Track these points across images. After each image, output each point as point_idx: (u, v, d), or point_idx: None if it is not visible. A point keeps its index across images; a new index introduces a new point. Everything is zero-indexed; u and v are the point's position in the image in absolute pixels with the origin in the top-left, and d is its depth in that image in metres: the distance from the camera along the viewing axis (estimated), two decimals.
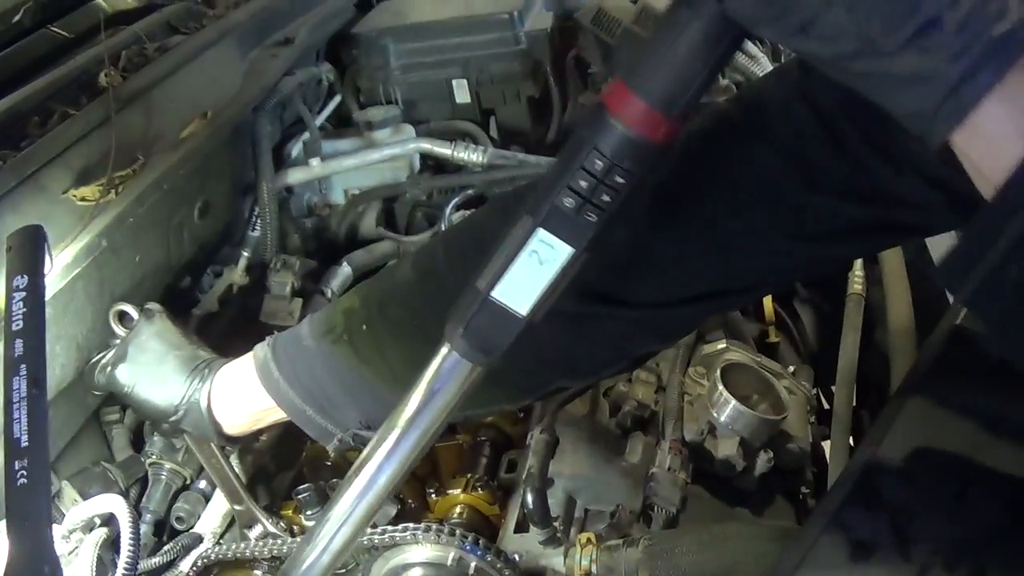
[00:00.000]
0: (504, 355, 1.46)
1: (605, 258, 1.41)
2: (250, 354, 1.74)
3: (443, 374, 1.26)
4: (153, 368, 1.80)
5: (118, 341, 1.85)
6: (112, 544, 1.74)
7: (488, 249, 1.47)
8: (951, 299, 1.79)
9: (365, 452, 1.33)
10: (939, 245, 2.07)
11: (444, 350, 1.25)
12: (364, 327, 1.58)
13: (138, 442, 2.13)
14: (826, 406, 2.55)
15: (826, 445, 2.26)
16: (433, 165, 3.14)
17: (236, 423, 1.78)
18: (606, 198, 1.09)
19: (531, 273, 1.15)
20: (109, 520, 1.75)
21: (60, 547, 1.76)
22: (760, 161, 1.34)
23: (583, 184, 1.08)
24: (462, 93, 3.24)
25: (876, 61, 0.84)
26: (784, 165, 1.28)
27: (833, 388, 2.34)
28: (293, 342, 1.69)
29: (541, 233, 1.13)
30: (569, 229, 1.12)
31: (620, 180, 1.08)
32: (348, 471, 1.35)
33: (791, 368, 2.40)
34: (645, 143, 1.05)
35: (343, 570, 1.84)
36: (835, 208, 1.28)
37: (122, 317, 1.88)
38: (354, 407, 1.63)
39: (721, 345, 2.27)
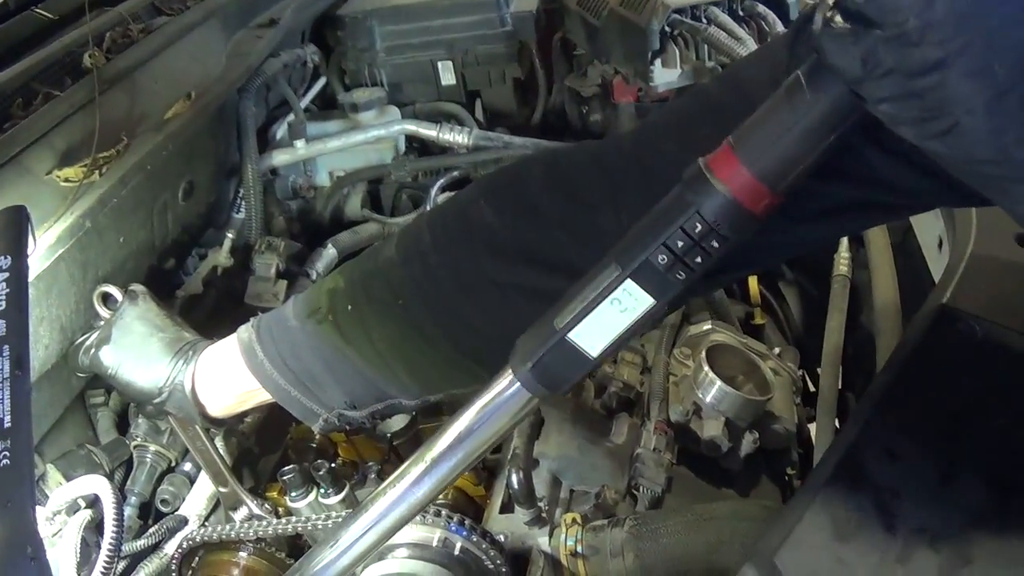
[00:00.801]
0: (486, 337, 1.47)
1: (596, 242, 1.42)
2: (234, 335, 1.73)
3: (501, 400, 1.29)
4: (137, 350, 1.79)
5: (102, 323, 1.84)
6: (97, 527, 1.73)
7: (474, 231, 1.48)
8: (936, 279, 1.79)
9: (406, 464, 1.36)
10: (925, 228, 2.07)
11: (507, 378, 1.28)
12: (349, 308, 1.58)
13: (123, 425, 2.13)
14: (812, 388, 2.55)
15: (812, 427, 2.26)
16: (418, 147, 3.15)
17: (220, 405, 1.77)
18: (698, 260, 1.12)
19: (610, 319, 1.17)
20: (93, 502, 1.74)
21: (44, 529, 1.75)
22: None
23: (679, 244, 1.11)
24: (447, 75, 3.25)
25: (1009, 168, 0.88)
26: None
27: (819, 370, 2.34)
28: (277, 323, 1.68)
29: (628, 284, 1.15)
30: (656, 284, 1.14)
31: (715, 245, 1.11)
32: (387, 479, 1.37)
33: (777, 350, 2.40)
34: (746, 213, 1.08)
35: None
36: (824, 189, 1.28)
37: (106, 299, 1.87)
38: (339, 387, 1.62)
39: (707, 326, 2.28)
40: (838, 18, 0.92)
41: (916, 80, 0.88)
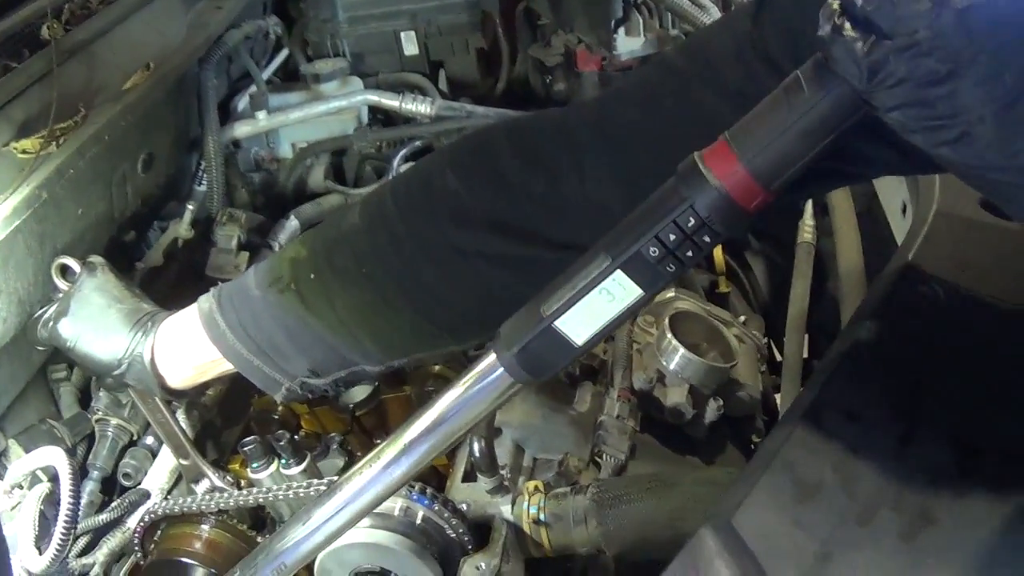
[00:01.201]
0: (450, 304, 1.47)
1: (560, 209, 1.42)
2: (194, 305, 1.72)
3: (482, 385, 1.29)
4: (95, 321, 1.77)
5: (61, 295, 1.82)
6: (58, 503, 1.72)
7: (438, 198, 1.48)
8: (899, 242, 1.80)
9: (383, 445, 1.36)
10: (889, 194, 2.08)
11: (489, 361, 1.27)
12: (312, 276, 1.57)
13: (86, 400, 2.11)
14: (779, 358, 2.55)
15: (779, 397, 2.27)
16: (381, 118, 3.14)
17: (180, 376, 1.75)
18: (689, 254, 1.12)
19: (597, 308, 1.17)
20: (54, 476, 1.73)
21: (2, 503, 1.74)
22: (710, 106, 1.34)
23: (672, 237, 1.11)
24: (410, 45, 3.24)
25: (1016, 175, 0.90)
26: (734, 110, 1.27)
27: (785, 339, 2.34)
28: (238, 292, 1.67)
29: (619, 275, 1.15)
30: (646, 275, 1.14)
31: (707, 239, 1.11)
32: (364, 458, 1.37)
33: (742, 318, 2.40)
34: (738, 210, 1.08)
35: None
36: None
37: (64, 271, 1.85)
38: (302, 356, 1.61)
39: (670, 294, 2.28)
40: (847, 25, 0.91)
41: (927, 90, 0.88)
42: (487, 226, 1.48)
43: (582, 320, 1.17)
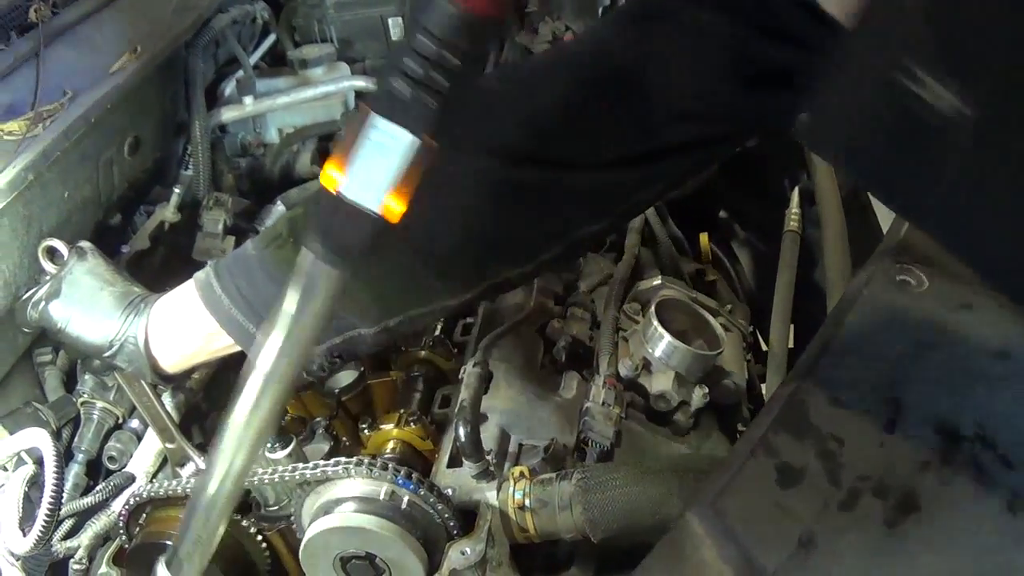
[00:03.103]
0: (443, 242, 1.48)
1: (535, 123, 1.44)
2: (189, 281, 1.73)
3: (309, 284, 1.22)
4: (87, 303, 1.78)
5: (48, 277, 1.82)
6: (43, 485, 1.72)
7: None
8: (885, 230, 1.80)
9: (244, 373, 1.32)
10: None
11: (306, 259, 1.21)
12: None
13: (71, 383, 2.11)
14: (765, 347, 2.56)
15: (765, 387, 2.27)
16: None
17: (174, 356, 1.76)
18: (441, 80, 1.08)
19: (377, 166, 1.12)
20: (40, 460, 1.73)
21: None
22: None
23: (416, 67, 1.07)
24: (398, 31, 3.23)
25: None
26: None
27: (770, 328, 2.34)
28: (235, 258, 1.70)
29: (379, 121, 1.10)
30: (407, 115, 1.10)
31: (453, 60, 1.07)
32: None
33: (728, 306, 2.40)
34: (473, 19, 1.05)
35: (276, 506, 1.83)
36: (765, 50, 1.31)
37: (52, 253, 1.85)
38: None
39: (657, 282, 2.28)
40: None
41: None
42: (474, 148, 1.52)
43: (367, 182, 1.12)
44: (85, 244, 1.85)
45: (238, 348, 1.72)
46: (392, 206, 1.13)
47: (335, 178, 1.12)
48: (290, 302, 1.24)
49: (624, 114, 1.55)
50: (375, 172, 1.12)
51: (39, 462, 1.75)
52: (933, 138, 0.99)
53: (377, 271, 1.58)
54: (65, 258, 1.83)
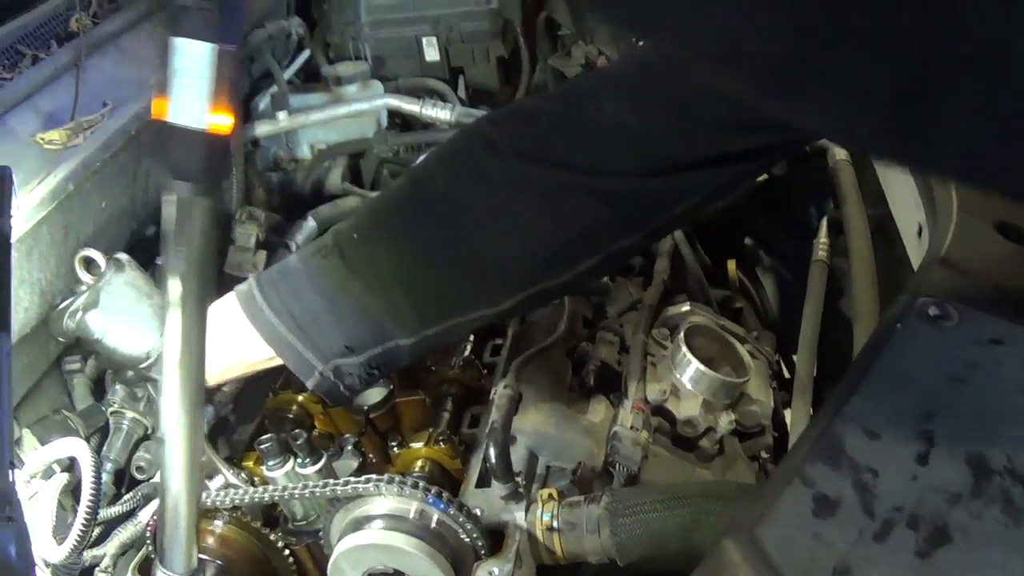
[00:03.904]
0: (482, 250, 1.50)
1: (584, 133, 1.47)
2: (231, 293, 1.75)
3: (179, 220, 1.28)
4: (126, 315, 1.79)
5: (84, 287, 1.83)
6: (73, 492, 1.73)
7: (473, 148, 1.54)
8: (915, 266, 1.81)
9: (164, 324, 1.34)
10: (905, 215, 2.09)
11: (173, 201, 1.26)
12: (355, 236, 1.62)
13: (99, 392, 2.12)
14: (788, 374, 2.56)
15: (788, 413, 2.27)
16: (400, 122, 3.15)
17: (212, 370, 1.75)
18: None
19: (191, 84, 1.15)
20: (69, 467, 1.74)
21: (21, 492, 1.75)
22: None
23: None
24: (431, 51, 3.25)
25: None
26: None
27: (795, 357, 2.35)
28: (279, 269, 1.73)
29: (180, 42, 1.14)
30: (196, 25, 1.13)
31: None
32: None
33: (754, 333, 2.41)
34: None
35: (303, 521, 1.84)
36: (722, 138, 1.34)
37: (88, 263, 1.87)
38: (338, 327, 1.64)
39: (685, 308, 2.28)
40: None
41: None
42: (521, 159, 1.56)
43: (188, 103, 1.16)
44: (122, 256, 1.87)
45: (277, 362, 1.73)
46: (216, 120, 1.18)
47: (161, 107, 1.17)
48: (171, 242, 1.30)
49: (665, 124, 1.57)
50: (192, 92, 1.16)
51: (67, 470, 1.76)
52: None
53: (421, 284, 1.59)
54: (101, 269, 1.84)
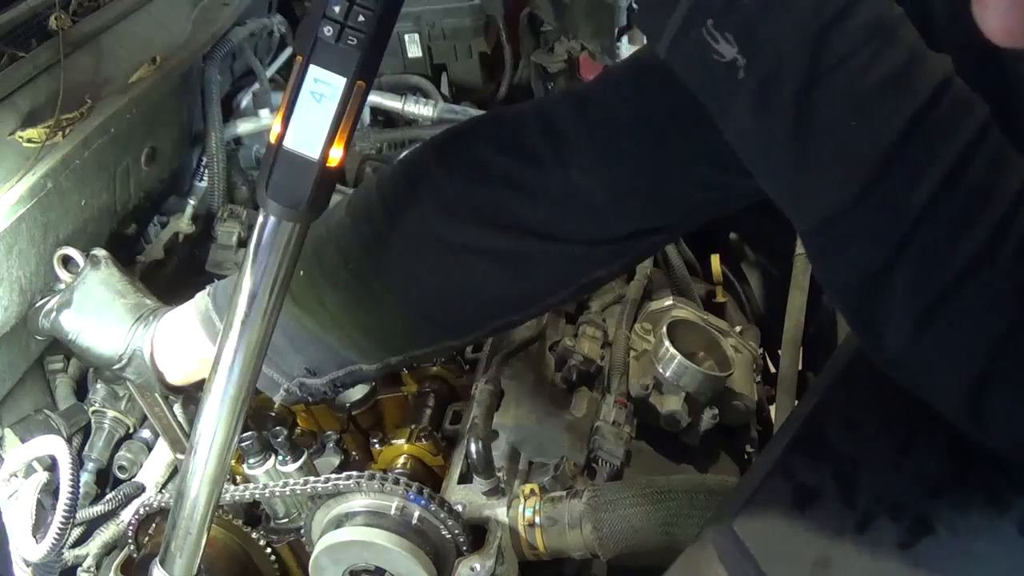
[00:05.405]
0: (438, 298, 1.47)
1: (545, 200, 1.43)
2: (191, 302, 1.72)
3: (266, 240, 1.27)
4: (98, 315, 1.77)
5: (62, 286, 1.82)
6: (53, 491, 1.72)
7: (423, 192, 1.49)
8: None
9: (224, 333, 1.34)
10: None
11: (260, 219, 1.26)
12: (301, 273, 1.57)
13: (82, 391, 2.12)
14: (772, 369, 2.56)
15: (773, 408, 2.27)
16: (383, 119, 3.15)
17: (179, 372, 1.75)
18: (361, 18, 1.12)
19: (315, 113, 1.17)
20: (50, 466, 1.73)
21: (1, 490, 1.74)
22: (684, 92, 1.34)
23: (336, 9, 1.12)
24: (414, 47, 3.25)
25: None
26: None
27: (780, 351, 2.34)
28: (232, 281, 1.68)
29: (313, 70, 1.15)
30: (336, 58, 1.14)
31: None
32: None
33: (738, 328, 2.41)
34: None
35: (285, 519, 1.84)
36: None
37: (66, 261, 1.86)
38: (298, 355, 1.62)
39: (668, 302, 2.28)
40: None
41: None
42: (471, 218, 1.48)
43: (307, 131, 1.17)
44: (100, 252, 1.85)
45: None
46: (334, 154, 1.19)
47: (277, 131, 1.18)
48: (251, 264, 1.29)
49: (640, 199, 1.51)
50: (314, 120, 1.17)
51: (48, 468, 1.75)
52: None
53: (375, 323, 1.57)
54: (80, 267, 1.83)
